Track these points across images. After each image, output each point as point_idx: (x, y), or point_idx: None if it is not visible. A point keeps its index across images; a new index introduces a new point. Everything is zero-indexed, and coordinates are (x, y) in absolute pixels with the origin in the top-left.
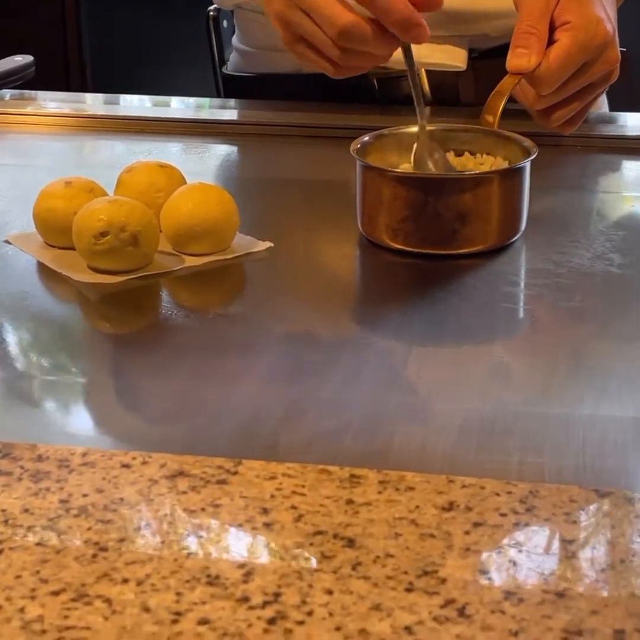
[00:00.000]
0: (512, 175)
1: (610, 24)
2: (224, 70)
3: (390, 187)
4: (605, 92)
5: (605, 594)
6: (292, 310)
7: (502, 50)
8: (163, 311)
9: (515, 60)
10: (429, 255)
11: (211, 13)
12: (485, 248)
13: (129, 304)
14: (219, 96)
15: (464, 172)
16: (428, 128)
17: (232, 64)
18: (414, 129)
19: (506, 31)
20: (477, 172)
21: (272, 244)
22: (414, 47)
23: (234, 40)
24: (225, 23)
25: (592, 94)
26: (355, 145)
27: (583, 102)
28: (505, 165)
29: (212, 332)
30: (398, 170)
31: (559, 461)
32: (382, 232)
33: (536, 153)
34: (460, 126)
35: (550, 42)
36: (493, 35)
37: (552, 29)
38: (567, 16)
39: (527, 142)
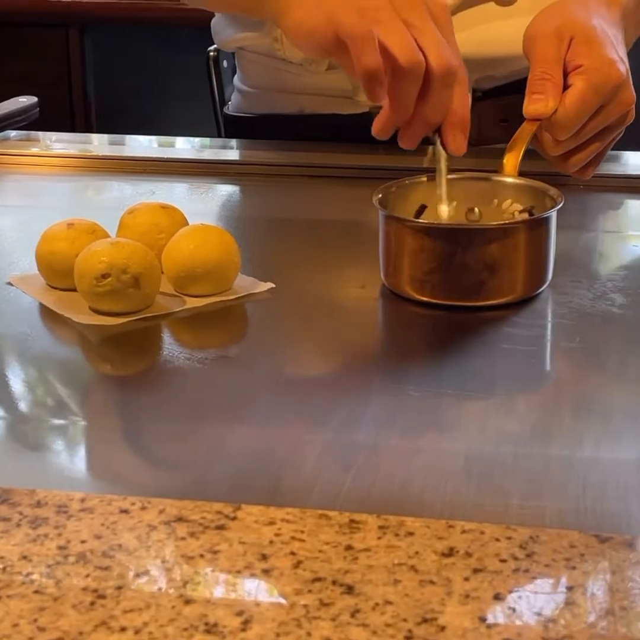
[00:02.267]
0: (538, 224)
1: (623, 65)
2: (225, 110)
3: (416, 238)
4: (622, 134)
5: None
6: (293, 353)
7: (504, 89)
8: (164, 353)
9: (532, 106)
10: (451, 306)
11: (211, 53)
12: (513, 299)
13: (131, 345)
14: (219, 135)
15: (491, 223)
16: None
17: (234, 105)
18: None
19: (511, 72)
20: (505, 222)
21: (274, 285)
22: None
23: (236, 80)
24: (225, 63)
25: (609, 137)
26: (377, 194)
27: (600, 146)
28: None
29: (213, 375)
30: (424, 220)
31: (559, 504)
32: (405, 283)
33: (562, 202)
34: (483, 175)
35: (565, 86)
36: (497, 76)
37: (565, 73)
38: (580, 60)
39: (552, 191)
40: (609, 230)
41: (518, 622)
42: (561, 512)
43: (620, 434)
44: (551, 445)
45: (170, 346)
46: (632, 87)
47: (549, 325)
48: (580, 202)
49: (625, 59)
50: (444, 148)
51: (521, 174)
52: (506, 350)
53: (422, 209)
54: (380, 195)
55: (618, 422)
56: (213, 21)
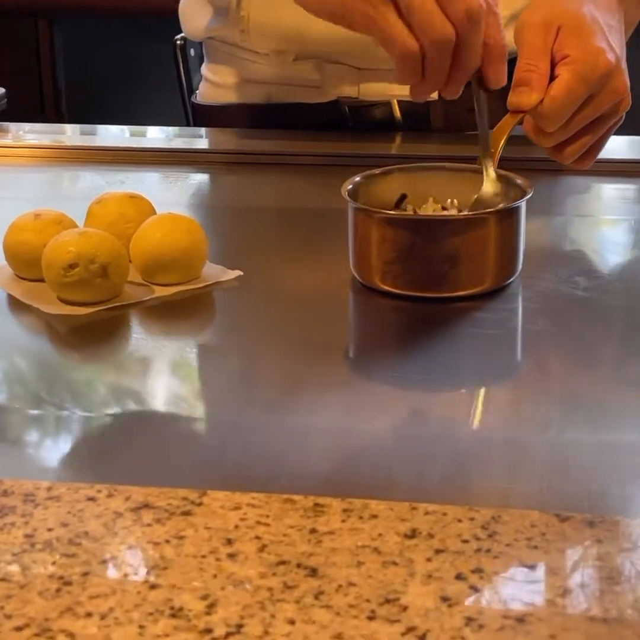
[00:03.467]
0: (507, 215)
1: (612, 54)
2: (193, 99)
3: (379, 228)
4: (622, 120)
5: (564, 618)
6: (261, 340)
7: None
8: (133, 342)
9: (515, 98)
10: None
11: (178, 42)
12: (481, 291)
13: (99, 335)
14: (188, 124)
15: (457, 215)
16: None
17: (202, 93)
18: (409, 167)
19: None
20: (470, 213)
21: (241, 273)
22: (385, 79)
23: (203, 69)
24: (192, 52)
25: (604, 127)
26: (347, 185)
27: (595, 136)
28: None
29: (181, 363)
30: (386, 211)
31: (522, 486)
32: (374, 274)
33: (531, 193)
34: (460, 166)
35: (552, 77)
36: None
37: (553, 64)
38: (567, 50)
39: (522, 181)
40: (579, 214)
41: (479, 602)
42: (524, 493)
43: (583, 417)
44: (515, 429)
45: (138, 335)
46: (626, 74)
47: (517, 310)
48: (549, 186)
49: (619, 46)
50: (483, 85)
51: (501, 163)
52: (472, 336)
53: (402, 197)
54: (350, 186)
55: (581, 405)
56: (180, 9)
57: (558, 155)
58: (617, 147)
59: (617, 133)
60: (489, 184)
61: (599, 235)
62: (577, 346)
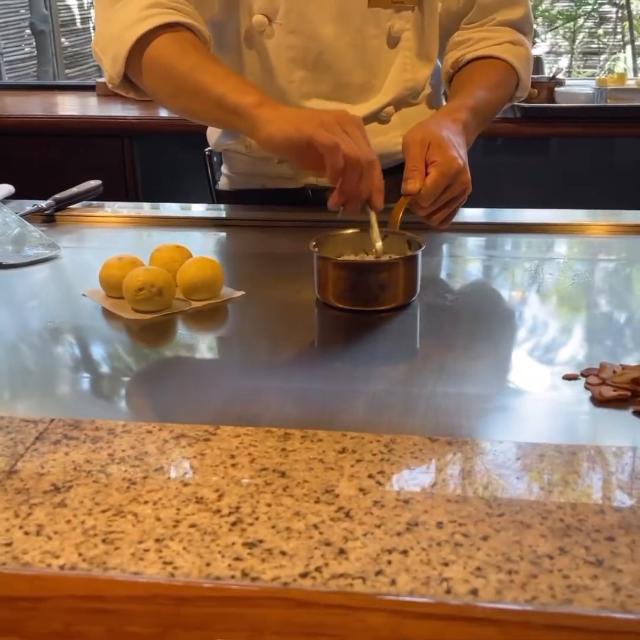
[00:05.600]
0: (410, 260)
1: (462, 160)
2: (216, 187)
3: (334, 269)
4: (465, 201)
5: (433, 499)
6: (257, 335)
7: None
8: (178, 335)
9: (407, 187)
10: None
11: (206, 152)
12: (397, 305)
13: (158, 331)
14: (213, 202)
15: (381, 259)
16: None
17: (222, 183)
18: (349, 231)
19: (388, 162)
20: (389, 259)
21: (244, 293)
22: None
23: (223, 168)
24: (215, 158)
25: (455, 204)
26: (312, 242)
27: (449, 209)
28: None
29: (208, 348)
30: (340, 258)
31: (410, 421)
32: (330, 296)
33: (425, 245)
34: (381, 230)
35: (426, 174)
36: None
37: (426, 165)
38: (434, 157)
39: (419, 238)
40: (450, 255)
41: (381, 491)
42: (411, 425)
43: (449, 378)
44: (408, 385)
45: (182, 331)
46: (469, 172)
47: (416, 315)
48: (430, 239)
49: (464, 155)
50: (372, 208)
51: (402, 226)
52: (391, 330)
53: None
54: (314, 242)
55: (448, 369)
56: (207, 132)
57: (429, 221)
58: (470, 214)
59: (464, 206)
60: (380, 248)
61: (462, 268)
62: (447, 335)
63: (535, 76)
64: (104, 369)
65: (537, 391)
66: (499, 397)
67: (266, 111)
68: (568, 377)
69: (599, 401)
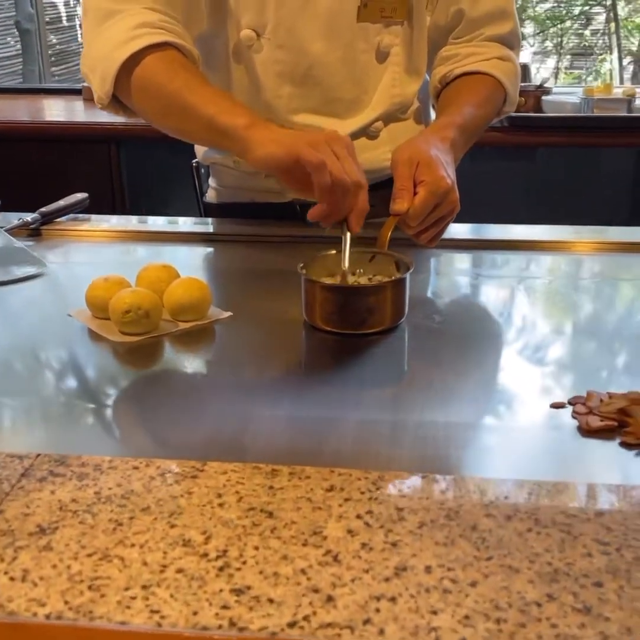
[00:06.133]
0: (398, 283)
1: (450, 179)
2: (204, 199)
3: (322, 292)
4: (453, 219)
5: (421, 543)
6: (243, 357)
7: (371, 188)
8: (165, 357)
9: (396, 206)
10: (348, 334)
11: (194, 164)
12: (384, 328)
13: (145, 354)
14: (200, 215)
15: (368, 284)
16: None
17: (209, 196)
18: (336, 253)
19: (375, 177)
20: (377, 283)
21: (232, 313)
22: None
23: (210, 181)
24: (203, 170)
25: (443, 222)
26: (300, 264)
27: (438, 228)
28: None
29: (195, 370)
30: (328, 282)
31: (398, 454)
32: (318, 319)
33: (413, 267)
34: (369, 251)
35: (414, 193)
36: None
37: (415, 184)
38: (423, 177)
39: (407, 259)
40: (437, 273)
41: (369, 533)
42: (399, 459)
43: (436, 401)
44: (398, 411)
45: (169, 353)
46: (457, 191)
47: (403, 337)
48: (418, 256)
49: (453, 174)
50: (348, 229)
51: (390, 242)
52: (378, 354)
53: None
54: (301, 264)
55: (435, 391)
56: (195, 145)
57: (417, 239)
58: (458, 230)
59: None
60: (347, 268)
61: (448, 287)
62: (434, 357)
63: (523, 84)
64: (91, 396)
65: (524, 420)
66: (486, 427)
67: (257, 133)
68: (555, 406)
69: (586, 431)
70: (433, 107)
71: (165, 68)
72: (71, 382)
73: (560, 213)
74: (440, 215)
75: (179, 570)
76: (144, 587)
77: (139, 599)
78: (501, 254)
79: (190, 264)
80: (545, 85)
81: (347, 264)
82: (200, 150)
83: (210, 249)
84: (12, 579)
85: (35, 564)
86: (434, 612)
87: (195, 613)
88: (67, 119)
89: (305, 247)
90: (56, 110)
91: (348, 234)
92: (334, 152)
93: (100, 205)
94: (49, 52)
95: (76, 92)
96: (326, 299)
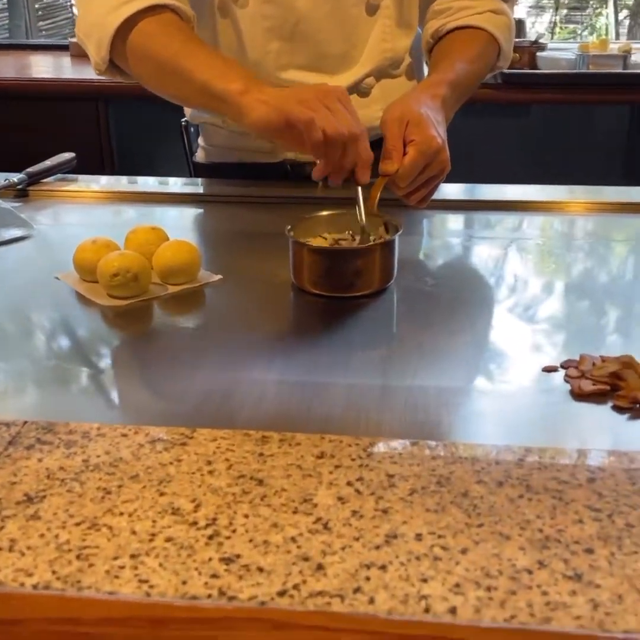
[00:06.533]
0: (386, 246)
1: (440, 139)
2: (193, 159)
3: (310, 255)
4: (443, 179)
5: (412, 509)
6: (233, 319)
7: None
8: (155, 321)
9: (384, 167)
10: (336, 297)
11: (183, 123)
12: (373, 291)
13: (133, 317)
14: (190, 175)
15: (355, 246)
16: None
17: (198, 156)
18: (324, 213)
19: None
20: (365, 245)
21: (222, 276)
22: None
23: (200, 140)
24: (192, 129)
25: (433, 183)
26: (288, 226)
27: (428, 188)
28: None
29: (185, 334)
30: (314, 244)
31: (388, 420)
32: (306, 282)
33: (402, 229)
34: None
35: (404, 153)
36: None
37: (405, 144)
38: (413, 136)
39: (396, 221)
40: (429, 235)
41: (360, 500)
42: (390, 424)
43: (428, 365)
44: (388, 376)
45: (158, 317)
46: (448, 150)
47: (393, 300)
48: (408, 217)
49: (443, 133)
50: (357, 182)
51: (380, 203)
52: (366, 317)
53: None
54: (289, 226)
55: (427, 354)
56: None
57: (407, 200)
58: (450, 190)
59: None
60: (366, 222)
61: (440, 248)
62: (424, 318)
63: (517, 39)
64: (79, 360)
65: (516, 384)
66: (478, 391)
67: (251, 97)
68: (547, 369)
69: (578, 395)
70: (426, 63)
71: (161, 32)
72: (58, 347)
73: (554, 171)
74: (430, 175)
75: (168, 539)
76: (133, 556)
77: (127, 569)
78: (494, 214)
79: (180, 225)
80: (541, 40)
81: (364, 219)
82: (189, 108)
83: (200, 210)
84: None
85: (23, 533)
86: (425, 580)
87: (184, 582)
88: (54, 75)
89: (295, 207)
90: (43, 66)
91: (359, 188)
92: (326, 106)
93: (88, 164)
94: (36, 6)
95: (63, 48)
96: (314, 262)
